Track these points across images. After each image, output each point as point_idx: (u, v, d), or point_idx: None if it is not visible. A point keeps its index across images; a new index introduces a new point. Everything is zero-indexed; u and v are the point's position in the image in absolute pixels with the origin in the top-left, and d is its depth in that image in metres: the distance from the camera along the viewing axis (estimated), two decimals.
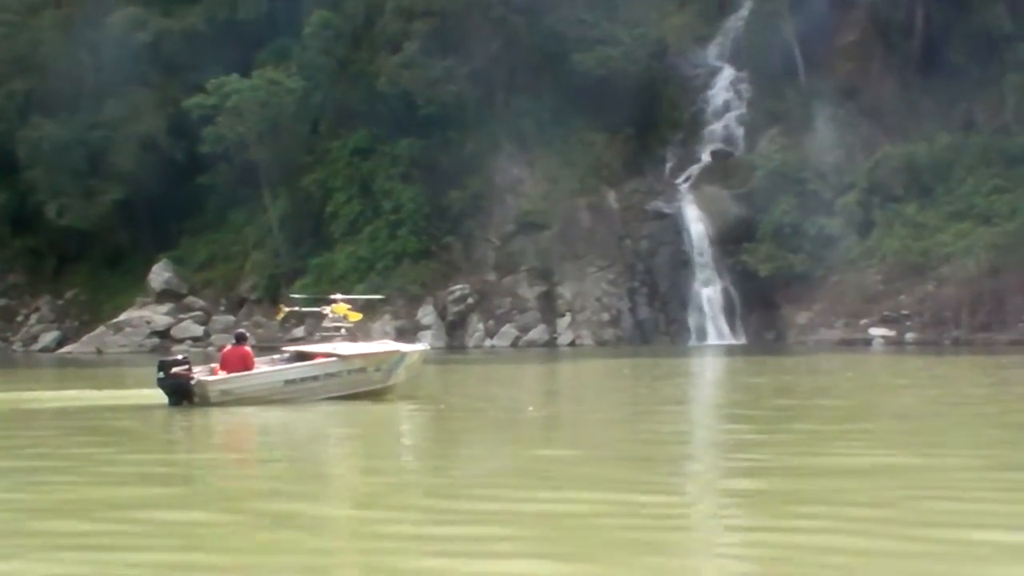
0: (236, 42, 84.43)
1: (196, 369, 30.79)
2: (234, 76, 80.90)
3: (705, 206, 76.56)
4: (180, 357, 32.62)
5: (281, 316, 45.50)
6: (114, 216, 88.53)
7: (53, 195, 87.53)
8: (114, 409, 30.26)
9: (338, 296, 35.69)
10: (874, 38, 74.09)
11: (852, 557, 11.39)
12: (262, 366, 31.78)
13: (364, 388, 31.42)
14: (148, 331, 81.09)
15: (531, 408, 29.92)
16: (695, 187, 78.10)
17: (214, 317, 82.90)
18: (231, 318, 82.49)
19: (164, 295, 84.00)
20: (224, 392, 29.96)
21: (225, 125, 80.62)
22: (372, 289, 74.69)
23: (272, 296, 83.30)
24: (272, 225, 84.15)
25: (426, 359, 35.61)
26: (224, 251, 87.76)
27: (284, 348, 36.51)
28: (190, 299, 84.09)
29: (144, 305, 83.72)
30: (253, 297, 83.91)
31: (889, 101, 73.70)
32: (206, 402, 29.53)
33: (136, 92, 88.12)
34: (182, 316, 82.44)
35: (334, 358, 31.51)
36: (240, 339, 32.55)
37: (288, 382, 30.85)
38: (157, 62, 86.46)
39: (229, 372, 30.64)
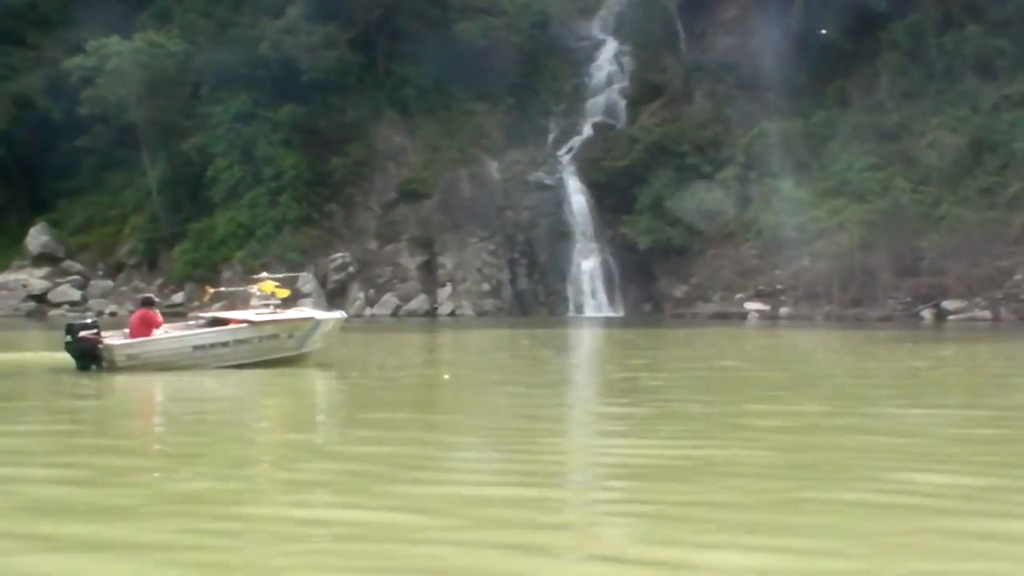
0: (117, 2, 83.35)
1: (107, 333, 30.62)
2: (115, 38, 79.88)
3: (586, 178, 77.12)
4: (89, 321, 32.33)
5: (207, 298, 45.03)
6: None
7: None
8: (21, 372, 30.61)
9: (262, 275, 35.77)
10: (754, 13, 74.87)
11: None
12: (175, 331, 31.70)
13: (277, 355, 31.02)
14: (24, 295, 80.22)
15: (445, 375, 30.16)
16: (576, 159, 78.68)
17: (92, 282, 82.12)
18: (110, 283, 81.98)
19: (41, 258, 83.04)
20: (131, 356, 29.58)
21: (105, 87, 79.70)
22: (251, 256, 74.76)
23: (151, 261, 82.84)
24: (151, 189, 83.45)
25: (343, 327, 35.52)
26: (102, 214, 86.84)
27: (199, 314, 36.30)
28: (67, 263, 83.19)
29: (20, 268, 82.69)
30: (132, 262, 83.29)
31: (767, 76, 74.57)
32: (113, 367, 29.25)
33: (13, 51, 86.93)
34: (59, 280, 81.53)
35: (245, 324, 31.25)
36: (146, 303, 32.10)
37: (197, 347, 30.40)
38: (35, 20, 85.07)
39: (133, 337, 30.46)
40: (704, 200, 71.90)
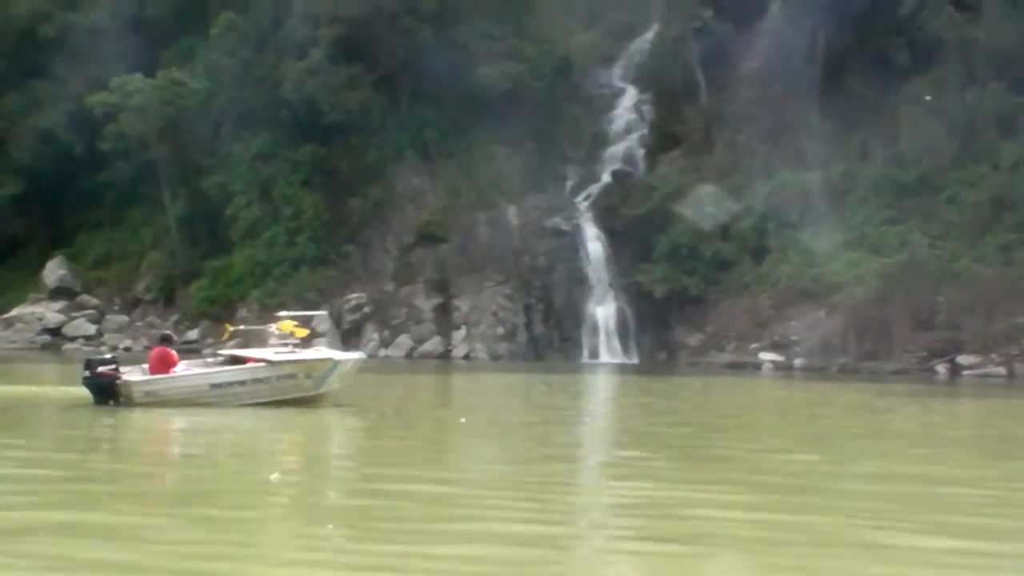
0: (141, 40, 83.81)
1: (126, 369, 30.71)
2: (138, 75, 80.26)
3: (603, 225, 77.20)
4: (108, 356, 32.60)
5: (227, 336, 45.12)
6: (9, 209, 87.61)
7: None
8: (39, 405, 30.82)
9: (281, 313, 35.84)
10: (775, 64, 74.98)
11: None
12: (194, 368, 31.75)
13: (294, 395, 31.06)
14: (40, 328, 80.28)
15: (462, 419, 30.11)
16: (594, 206, 78.79)
17: (108, 316, 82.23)
18: (125, 318, 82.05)
19: (58, 292, 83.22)
20: (148, 393, 29.78)
21: (127, 123, 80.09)
22: (267, 294, 74.90)
23: (167, 297, 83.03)
24: (170, 226, 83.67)
25: (361, 368, 35.40)
26: (120, 250, 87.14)
27: (219, 351, 36.43)
28: (84, 297, 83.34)
29: (37, 301, 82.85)
30: (148, 298, 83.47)
31: (787, 127, 74.63)
32: (130, 402, 29.40)
33: (37, 85, 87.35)
34: (75, 314, 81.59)
35: (263, 363, 31.31)
36: (164, 340, 32.41)
37: (214, 385, 30.53)
38: (60, 56, 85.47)
39: (152, 373, 30.57)
40: (721, 250, 72.29)
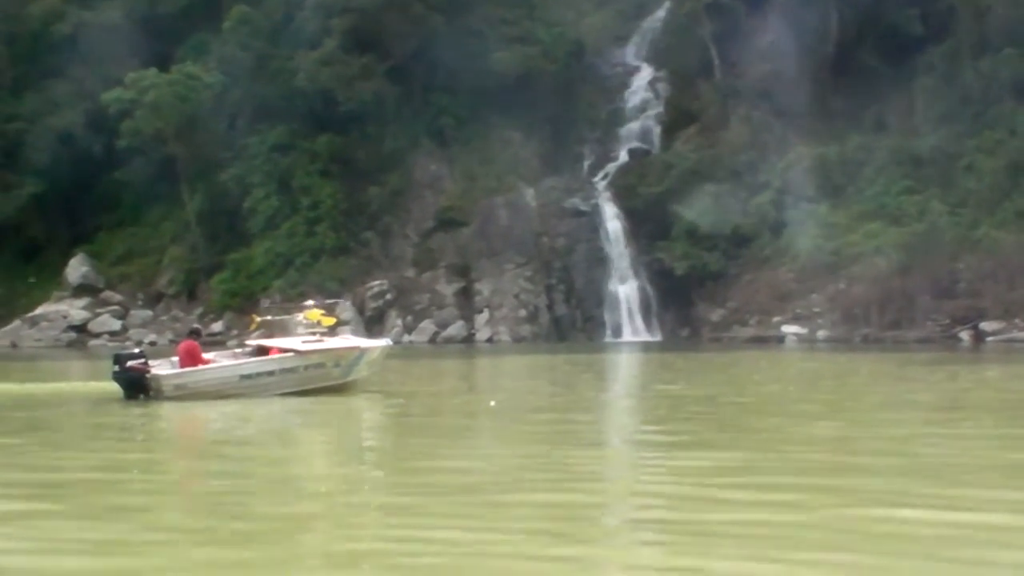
0: (155, 36, 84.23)
1: (155, 362, 30.85)
2: (152, 71, 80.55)
3: (621, 204, 77.28)
4: (136, 351, 32.59)
5: (254, 326, 45.24)
6: (30, 209, 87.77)
7: None
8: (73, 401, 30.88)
9: (308, 302, 35.94)
10: (789, 39, 74.85)
11: None
12: (223, 360, 31.91)
13: (322, 384, 31.14)
14: (65, 325, 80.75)
15: (492, 402, 30.16)
16: (612, 185, 78.89)
17: (132, 312, 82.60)
18: (149, 313, 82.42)
19: (81, 289, 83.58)
20: (179, 386, 29.86)
21: (143, 120, 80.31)
22: (289, 285, 75.14)
23: (190, 291, 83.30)
24: (190, 220, 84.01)
25: (388, 355, 35.46)
26: (141, 246, 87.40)
27: (247, 342, 36.49)
28: (107, 293, 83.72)
29: (61, 299, 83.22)
30: (171, 292, 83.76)
31: (802, 102, 74.53)
32: (160, 396, 29.49)
33: (54, 85, 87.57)
34: (99, 311, 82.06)
35: (291, 353, 31.40)
36: (192, 334, 32.70)
37: (244, 377, 30.59)
38: (75, 55, 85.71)
39: (181, 367, 30.70)
40: (740, 225, 72.32)
